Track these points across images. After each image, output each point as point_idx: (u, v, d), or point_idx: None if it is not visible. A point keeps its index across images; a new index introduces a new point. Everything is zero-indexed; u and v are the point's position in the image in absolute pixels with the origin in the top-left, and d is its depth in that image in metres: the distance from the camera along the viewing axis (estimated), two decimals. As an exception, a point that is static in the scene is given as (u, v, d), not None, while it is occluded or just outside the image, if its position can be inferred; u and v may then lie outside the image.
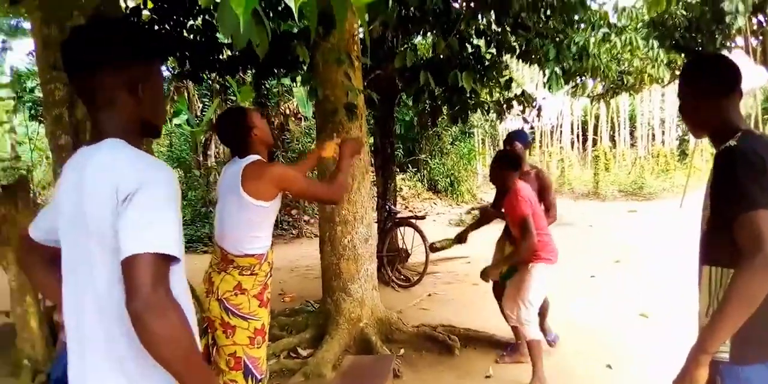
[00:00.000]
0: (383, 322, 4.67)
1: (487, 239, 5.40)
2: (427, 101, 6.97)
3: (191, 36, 5.51)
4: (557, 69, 5.26)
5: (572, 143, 28.52)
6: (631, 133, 26.91)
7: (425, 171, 17.01)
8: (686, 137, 24.40)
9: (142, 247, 1.15)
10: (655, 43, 7.03)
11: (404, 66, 5.17)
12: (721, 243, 1.71)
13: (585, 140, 28.40)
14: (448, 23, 5.31)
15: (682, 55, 11.69)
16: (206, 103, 13.23)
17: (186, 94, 12.56)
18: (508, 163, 4.04)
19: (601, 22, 5.36)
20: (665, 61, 6.93)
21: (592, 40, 5.01)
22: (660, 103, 25.00)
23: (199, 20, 5.88)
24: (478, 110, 7.12)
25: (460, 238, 4.63)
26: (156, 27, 5.93)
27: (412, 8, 5.62)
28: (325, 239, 4.59)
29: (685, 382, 1.70)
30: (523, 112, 7.05)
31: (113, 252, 1.20)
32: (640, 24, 11.32)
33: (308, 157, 3.28)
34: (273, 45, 4.79)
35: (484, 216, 4.76)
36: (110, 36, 1.31)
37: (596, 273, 7.38)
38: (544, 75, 6.22)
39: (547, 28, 5.07)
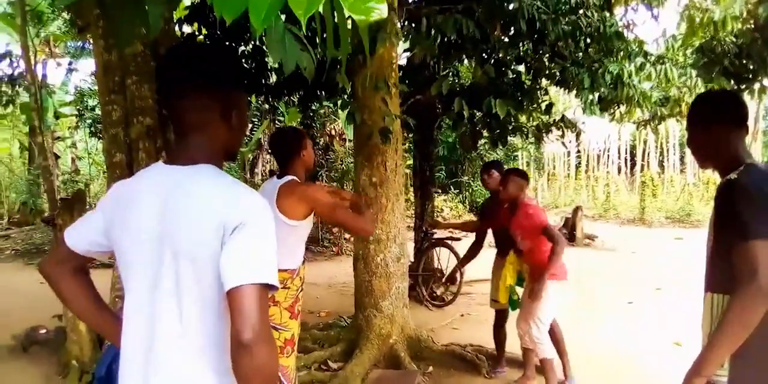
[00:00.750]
0: (413, 339, 4.78)
1: None
2: (467, 125, 7.14)
3: (242, 61, 5.82)
4: (591, 96, 5.34)
5: (619, 168, 28.06)
6: (681, 159, 26.33)
7: (467, 192, 17.07)
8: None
9: (252, 278, 1.19)
10: (693, 73, 6.98)
11: (458, 92, 5.37)
12: (723, 271, 1.80)
13: (633, 165, 27.93)
14: (485, 51, 5.48)
15: (731, 81, 11.56)
16: (255, 124, 13.70)
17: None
18: (521, 174, 4.16)
19: (637, 51, 5.43)
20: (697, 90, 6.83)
21: (626, 69, 5.08)
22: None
23: (250, 46, 6.21)
24: (518, 134, 7.25)
25: (451, 279, 5.20)
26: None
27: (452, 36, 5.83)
28: (358, 257, 4.76)
29: None
30: (562, 136, 7.12)
31: (207, 278, 1.25)
32: (689, 50, 11.27)
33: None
34: (317, 70, 5.06)
35: (472, 246, 5.26)
36: (213, 61, 1.36)
37: (634, 299, 7.31)
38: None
39: (583, 57, 5.18)
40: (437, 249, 7.44)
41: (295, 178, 2.73)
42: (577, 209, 13.13)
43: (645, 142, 26.86)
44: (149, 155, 4.16)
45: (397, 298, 4.73)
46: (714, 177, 22.01)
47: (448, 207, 16.19)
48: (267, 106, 12.44)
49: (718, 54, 10.83)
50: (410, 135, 7.70)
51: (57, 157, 14.25)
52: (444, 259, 7.43)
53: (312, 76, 2.04)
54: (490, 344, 5.08)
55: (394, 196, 4.63)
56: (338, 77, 4.14)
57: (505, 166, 4.84)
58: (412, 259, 7.48)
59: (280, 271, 2.64)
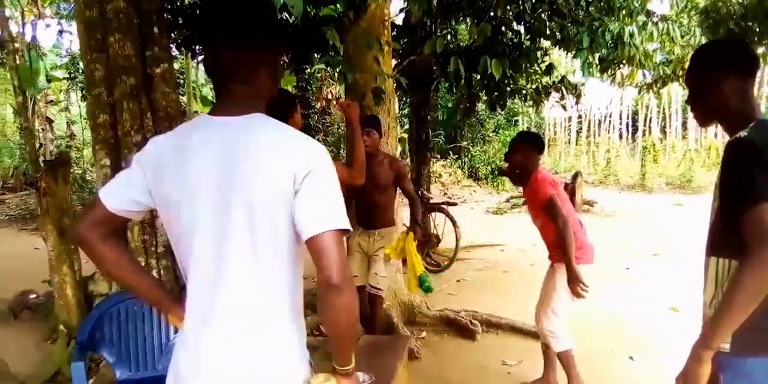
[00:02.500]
0: (406, 305, 4.74)
1: (521, 228, 5.39)
2: (465, 88, 6.96)
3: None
4: (591, 57, 5.15)
5: (621, 134, 27.85)
6: (684, 125, 26.09)
7: (466, 158, 16.94)
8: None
9: (331, 225, 1.25)
10: (698, 31, 6.76)
11: (441, 52, 5.18)
12: (728, 235, 1.69)
13: (635, 131, 27.69)
14: (482, 9, 5.27)
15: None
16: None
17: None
18: (533, 143, 3.57)
19: (640, 9, 5.21)
20: None
21: (628, 28, 4.87)
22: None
23: None
24: (517, 97, 7.09)
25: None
26: (197, 11, 6.08)
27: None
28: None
29: (689, 377, 1.69)
30: (561, 99, 6.96)
31: (281, 225, 1.28)
32: (693, 12, 10.98)
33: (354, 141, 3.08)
34: (308, 29, 4.89)
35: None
36: (260, 15, 1.37)
37: (632, 265, 7.27)
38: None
39: (583, 16, 4.97)
40: (434, 214, 7.36)
41: None
42: (576, 175, 13.01)
43: (647, 107, 26.55)
44: (133, 115, 4.01)
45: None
46: (716, 143, 21.86)
47: (447, 173, 16.08)
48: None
49: (723, 15, 10.57)
50: (406, 98, 7.53)
51: (50, 121, 14.04)
52: (441, 225, 7.37)
53: (300, 13, 1.91)
54: (483, 309, 5.06)
55: (387, 160, 4.50)
56: (328, 34, 3.97)
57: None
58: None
59: None
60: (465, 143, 16.92)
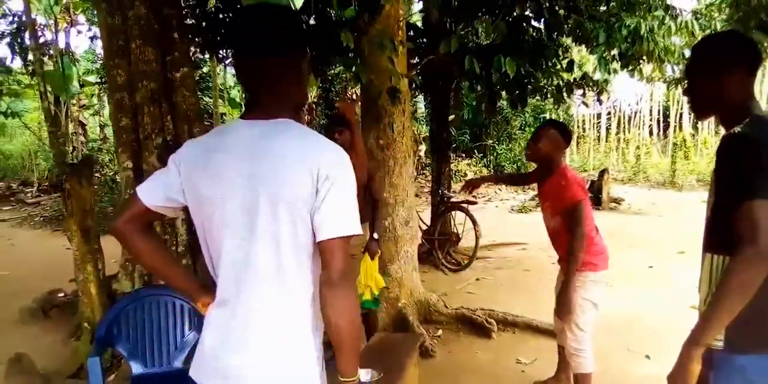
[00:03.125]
0: (422, 303, 4.78)
1: (537, 227, 5.37)
2: (485, 86, 6.96)
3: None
4: (608, 53, 5.10)
5: (651, 130, 27.35)
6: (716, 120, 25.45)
7: (492, 157, 16.85)
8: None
9: (344, 231, 1.36)
10: (718, 25, 6.63)
11: (459, 51, 5.19)
12: (723, 230, 1.67)
13: (666, 127, 27.13)
14: (500, 7, 5.28)
15: (769, 37, 11.03)
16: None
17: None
18: (560, 127, 3.28)
19: (659, 3, 5.15)
20: None
21: (645, 23, 4.81)
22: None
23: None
24: (538, 95, 7.06)
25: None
26: (221, 15, 6.21)
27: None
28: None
29: (680, 375, 1.69)
30: (583, 95, 6.90)
31: (300, 220, 1.37)
32: (723, 4, 10.75)
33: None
34: (325, 31, 4.94)
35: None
36: (288, 25, 1.44)
37: (655, 263, 7.17)
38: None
39: (600, 11, 4.94)
40: (454, 213, 7.37)
41: None
42: (603, 172, 12.85)
43: (679, 103, 26.01)
44: (154, 119, 4.14)
45: (406, 261, 4.70)
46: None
47: (472, 171, 16.03)
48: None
49: (754, 7, 10.33)
50: (426, 97, 7.55)
51: (83, 125, 14.41)
52: (461, 223, 7.38)
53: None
54: (501, 308, 5.06)
55: (401, 159, 4.55)
56: (342, 35, 4.03)
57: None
58: (429, 224, 7.45)
59: None
60: (490, 141, 16.85)
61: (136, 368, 2.85)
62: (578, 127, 28.45)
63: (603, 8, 5.34)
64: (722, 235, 1.70)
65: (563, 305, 3.15)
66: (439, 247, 7.14)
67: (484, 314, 4.79)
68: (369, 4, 4.14)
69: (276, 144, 1.38)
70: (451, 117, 15.70)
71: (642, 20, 4.81)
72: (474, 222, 6.83)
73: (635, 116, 27.45)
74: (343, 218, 1.36)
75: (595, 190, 12.63)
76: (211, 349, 1.47)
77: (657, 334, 4.57)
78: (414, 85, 7.19)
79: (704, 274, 1.84)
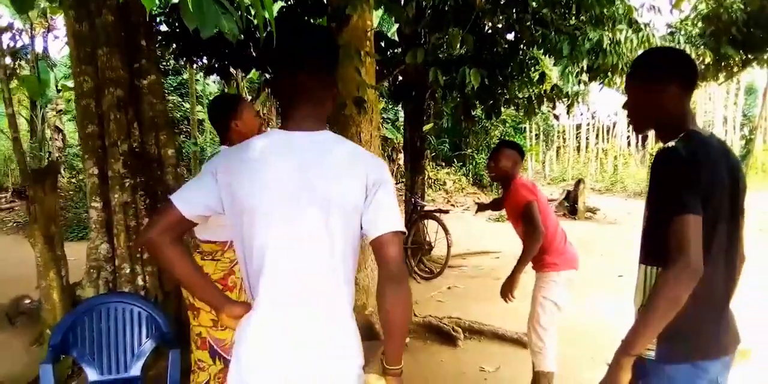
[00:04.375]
0: (389, 312, 4.79)
1: (513, 236, 5.41)
2: (458, 96, 7.04)
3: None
4: (573, 66, 5.19)
5: (630, 141, 27.71)
6: (694, 132, 25.90)
7: (471, 166, 16.97)
8: (752, 136, 23.32)
9: (395, 227, 1.47)
10: (682, 39, 6.78)
11: (430, 62, 5.26)
12: (656, 243, 1.72)
13: (645, 138, 27.50)
14: (471, 19, 5.36)
15: (740, 51, 11.23)
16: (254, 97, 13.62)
17: (236, 88, 12.93)
18: (517, 149, 3.52)
19: (622, 17, 5.25)
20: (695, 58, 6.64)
21: (607, 36, 4.90)
22: (723, 100, 23.94)
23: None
24: (511, 106, 7.14)
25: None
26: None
27: (436, 4, 5.70)
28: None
29: (609, 383, 1.73)
30: (553, 108, 7.00)
31: (353, 224, 1.48)
32: (697, 19, 10.96)
33: None
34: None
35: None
36: (332, 44, 1.61)
37: (626, 272, 7.25)
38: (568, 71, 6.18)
39: (564, 25, 5.02)
40: (426, 221, 7.41)
41: (225, 147, 2.63)
42: (579, 182, 13.02)
43: (657, 115, 26.38)
44: (120, 126, 4.13)
45: (373, 269, 4.71)
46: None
47: (451, 180, 16.12)
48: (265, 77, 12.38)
49: (725, 22, 10.55)
50: (398, 106, 7.60)
51: (59, 130, 14.27)
52: (433, 232, 7.42)
53: (236, 39, 1.98)
54: (471, 316, 5.09)
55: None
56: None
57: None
58: (402, 232, 7.48)
59: (208, 242, 2.61)
60: (470, 151, 16.97)
61: (92, 375, 2.84)
62: (558, 137, 28.76)
63: (572, 21, 5.43)
64: (655, 247, 1.75)
65: (502, 292, 3.42)
66: (412, 256, 7.17)
67: (451, 322, 4.82)
68: (337, 15, 4.18)
69: (326, 154, 1.48)
70: (429, 126, 15.83)
71: (605, 34, 4.90)
72: (446, 231, 6.88)
73: (614, 127, 27.80)
74: (393, 215, 1.49)
75: (571, 200, 12.79)
76: (270, 352, 1.47)
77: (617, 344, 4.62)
78: (385, 95, 7.24)
79: (638, 284, 1.88)
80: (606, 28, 5.14)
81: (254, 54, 6.19)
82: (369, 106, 4.44)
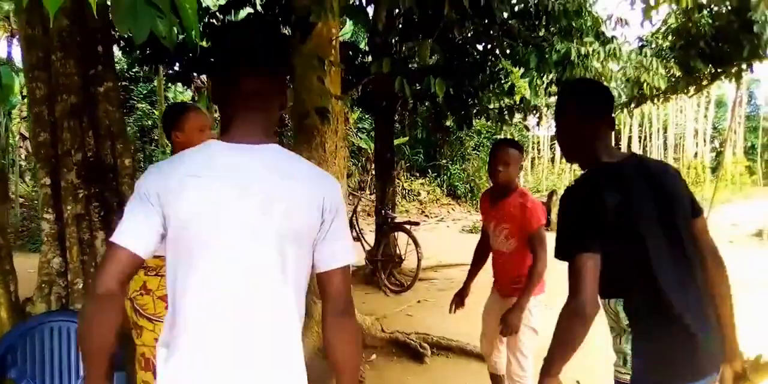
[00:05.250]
0: (355, 327, 4.67)
1: None
2: (429, 107, 6.99)
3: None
4: (541, 78, 5.17)
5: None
6: (665, 144, 26.31)
7: (445, 176, 16.96)
8: (721, 149, 23.76)
9: (345, 261, 1.39)
10: (648, 52, 6.84)
11: (401, 71, 5.17)
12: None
13: (618, 149, 27.84)
14: (440, 30, 5.31)
15: (709, 64, 11.41)
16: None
17: (207, 95, 12.77)
18: (520, 149, 3.16)
19: (591, 30, 5.24)
20: (661, 71, 6.69)
21: (574, 49, 4.88)
22: (694, 113, 24.36)
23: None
24: (483, 117, 7.11)
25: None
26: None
27: (406, 14, 5.66)
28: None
29: None
30: (524, 119, 6.98)
31: (305, 252, 1.36)
32: (668, 32, 11.10)
33: None
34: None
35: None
36: (281, 44, 1.43)
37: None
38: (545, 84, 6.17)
39: (532, 36, 5.00)
40: (396, 233, 7.31)
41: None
42: (552, 194, 13.05)
43: (629, 126, 26.74)
44: (74, 134, 3.97)
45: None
46: (695, 162, 22.06)
47: (425, 190, 16.07)
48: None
49: (695, 36, 10.71)
50: (368, 116, 7.54)
51: (25, 138, 13.92)
52: (403, 244, 7.32)
53: (173, 45, 1.87)
54: (437, 331, 4.99)
55: (335, 179, 4.47)
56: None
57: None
58: (372, 244, 7.38)
59: (154, 257, 2.47)
60: (444, 161, 16.96)
61: (29, 398, 2.68)
62: (533, 148, 28.97)
63: (541, 33, 5.41)
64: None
65: (510, 326, 3.02)
66: (382, 269, 7.07)
67: (418, 338, 4.72)
68: (301, 23, 4.08)
69: (282, 173, 1.33)
70: (404, 139, 15.79)
71: (572, 46, 4.87)
72: (416, 243, 6.79)
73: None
74: (346, 247, 1.39)
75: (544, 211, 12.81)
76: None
77: (591, 361, 4.56)
78: (352, 105, 7.16)
79: None
80: (574, 40, 5.12)
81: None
82: (333, 116, 4.35)
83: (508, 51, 5.17)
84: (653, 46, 11.07)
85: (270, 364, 1.33)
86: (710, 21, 10.39)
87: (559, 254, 1.68)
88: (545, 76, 5.86)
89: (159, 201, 1.30)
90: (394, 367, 4.48)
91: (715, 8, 10.26)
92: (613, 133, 1.92)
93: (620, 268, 1.66)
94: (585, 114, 1.81)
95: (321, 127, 4.31)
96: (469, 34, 5.55)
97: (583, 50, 4.99)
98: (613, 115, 1.88)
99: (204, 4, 5.97)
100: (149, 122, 15.09)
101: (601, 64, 5.55)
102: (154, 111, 15.47)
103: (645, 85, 6.51)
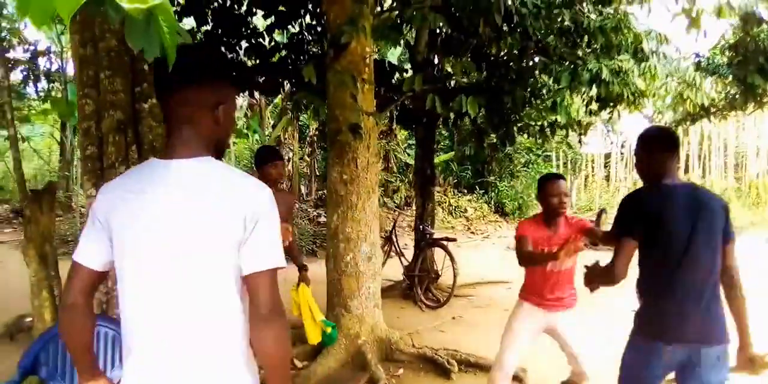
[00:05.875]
0: (383, 341, 4.70)
1: None
2: (470, 124, 7.00)
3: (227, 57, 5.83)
4: (573, 96, 5.11)
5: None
6: (725, 162, 25.32)
7: (492, 193, 16.80)
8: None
9: (269, 264, 1.38)
10: (692, 69, 6.64)
11: (434, 89, 5.24)
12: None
13: (677, 169, 26.93)
14: (474, 47, 5.36)
15: (768, 81, 10.96)
16: (275, 122, 13.74)
17: (259, 112, 13.13)
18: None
19: (630, 46, 5.15)
20: (703, 87, 6.49)
21: (607, 67, 4.80)
22: (757, 131, 23.38)
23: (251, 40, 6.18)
24: (525, 134, 7.06)
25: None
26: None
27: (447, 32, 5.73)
28: (329, 255, 4.70)
29: None
30: (566, 136, 6.90)
31: (228, 264, 1.38)
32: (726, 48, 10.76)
33: None
34: (287, 65, 5.02)
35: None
36: (202, 58, 1.48)
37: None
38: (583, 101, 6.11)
39: (569, 53, 4.95)
40: (434, 249, 7.30)
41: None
42: (601, 212, 12.71)
43: (689, 144, 25.89)
44: (118, 149, 4.18)
45: (368, 298, 4.65)
46: (756, 181, 21.13)
47: (472, 207, 15.96)
48: (289, 104, 12.52)
49: (753, 51, 10.32)
50: (410, 132, 7.59)
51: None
52: (440, 260, 7.31)
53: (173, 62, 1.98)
54: (467, 349, 4.95)
55: (365, 194, 4.54)
56: (304, 71, 4.09)
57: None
58: (410, 260, 7.40)
59: None
60: (492, 178, 16.82)
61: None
62: (586, 166, 28.38)
63: (582, 51, 5.36)
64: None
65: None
66: (419, 284, 7.06)
67: (446, 354, 4.70)
68: (335, 42, 4.20)
69: (199, 185, 1.38)
70: (449, 155, 15.74)
71: (604, 64, 4.80)
72: (452, 259, 6.76)
73: (644, 157, 27.26)
74: (268, 252, 1.39)
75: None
76: None
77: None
78: (396, 121, 7.23)
79: None
80: (612, 58, 5.06)
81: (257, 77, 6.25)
82: (366, 132, 4.43)
83: (541, 68, 5.13)
84: (710, 62, 10.77)
85: (204, 365, 1.41)
86: (768, 35, 10.02)
87: (613, 236, 2.40)
88: (585, 93, 5.79)
89: (105, 217, 1.45)
90: (420, 381, 4.47)
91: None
92: (676, 161, 2.42)
93: (646, 254, 2.33)
94: (653, 152, 2.40)
95: (353, 142, 4.40)
96: (507, 52, 5.55)
97: (618, 67, 4.92)
98: (675, 149, 2.44)
99: (252, 25, 6.18)
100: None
101: (644, 81, 5.44)
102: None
103: (688, 101, 6.32)
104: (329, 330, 3.93)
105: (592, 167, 28.58)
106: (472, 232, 14.23)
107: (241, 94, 6.22)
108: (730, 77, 10.72)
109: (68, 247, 9.80)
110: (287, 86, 6.69)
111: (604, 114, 6.16)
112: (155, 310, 1.41)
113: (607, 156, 28.84)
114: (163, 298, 1.40)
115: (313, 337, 3.96)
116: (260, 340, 1.37)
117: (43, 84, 13.53)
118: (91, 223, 1.48)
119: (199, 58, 1.47)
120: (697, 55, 11.33)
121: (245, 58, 6.10)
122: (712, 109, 11.47)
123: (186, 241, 1.37)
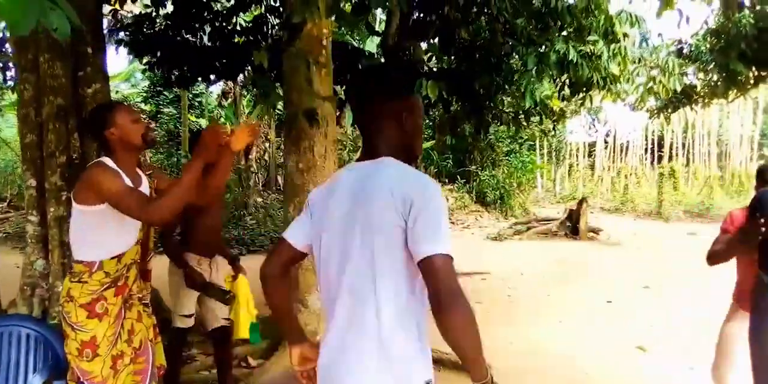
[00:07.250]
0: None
1: (514, 255, 5.11)
2: (441, 111, 6.79)
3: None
4: (537, 81, 4.89)
5: (641, 159, 27.20)
6: (710, 151, 25.36)
7: (474, 183, 16.61)
8: (770, 156, 22.75)
9: (438, 249, 1.41)
10: (666, 53, 6.46)
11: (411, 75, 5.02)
12: None
13: (661, 157, 27.00)
14: (446, 31, 5.14)
15: (752, 67, 10.81)
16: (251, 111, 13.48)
17: (234, 101, 12.84)
18: None
19: (601, 29, 4.94)
20: (677, 72, 6.31)
21: (573, 49, 4.58)
22: (741, 119, 23.39)
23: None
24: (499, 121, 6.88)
25: None
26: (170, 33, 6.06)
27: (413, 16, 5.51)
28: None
29: None
30: (540, 123, 6.71)
31: (396, 250, 1.48)
32: (708, 34, 10.59)
33: (220, 154, 2.44)
34: (240, 48, 4.78)
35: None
36: (385, 79, 1.89)
37: (616, 298, 6.89)
38: (557, 86, 5.92)
39: (538, 36, 4.74)
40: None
41: (106, 159, 2.35)
42: (582, 201, 12.63)
43: (673, 132, 25.90)
44: (59, 136, 3.95)
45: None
46: (740, 169, 21.16)
47: (453, 197, 15.79)
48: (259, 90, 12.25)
49: (735, 37, 10.14)
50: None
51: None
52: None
53: (65, 37, 1.76)
54: (439, 342, 4.77)
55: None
56: (256, 55, 3.87)
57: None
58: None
59: (75, 262, 2.36)
60: (473, 167, 16.63)
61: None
62: (570, 155, 28.35)
63: (553, 34, 5.14)
64: None
65: None
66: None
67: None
68: (289, 23, 3.97)
69: (370, 181, 1.54)
70: (432, 142, 15.57)
71: (573, 46, 4.58)
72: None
73: (629, 145, 27.34)
74: (436, 238, 1.42)
75: (574, 220, 12.40)
76: (324, 366, 1.61)
77: (592, 375, 4.31)
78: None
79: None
80: (582, 41, 4.85)
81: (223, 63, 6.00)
82: (323, 118, 4.21)
83: (512, 51, 4.90)
84: (692, 49, 10.60)
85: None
86: (752, 21, 9.84)
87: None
88: (557, 78, 5.59)
89: (311, 209, 1.72)
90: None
91: (758, 7, 9.77)
92: None
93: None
94: None
95: (310, 130, 4.18)
96: (476, 35, 5.34)
97: (587, 51, 4.72)
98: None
99: (214, 8, 5.92)
100: (172, 126, 15.16)
101: (617, 65, 5.25)
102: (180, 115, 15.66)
103: (660, 86, 6.13)
104: (256, 333, 3.70)
105: (576, 156, 28.56)
106: (452, 223, 14.07)
107: (199, 79, 5.92)
108: (712, 64, 10.58)
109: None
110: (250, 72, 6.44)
111: (578, 100, 5.95)
112: (337, 286, 1.57)
113: (592, 145, 28.82)
114: (338, 269, 1.57)
115: (242, 332, 3.67)
116: (443, 326, 1.40)
117: (11, 72, 13.17)
118: (305, 211, 1.73)
119: (383, 79, 1.90)
120: (680, 42, 11.18)
121: (209, 43, 5.86)
122: (694, 96, 11.35)
123: (356, 222, 1.53)
